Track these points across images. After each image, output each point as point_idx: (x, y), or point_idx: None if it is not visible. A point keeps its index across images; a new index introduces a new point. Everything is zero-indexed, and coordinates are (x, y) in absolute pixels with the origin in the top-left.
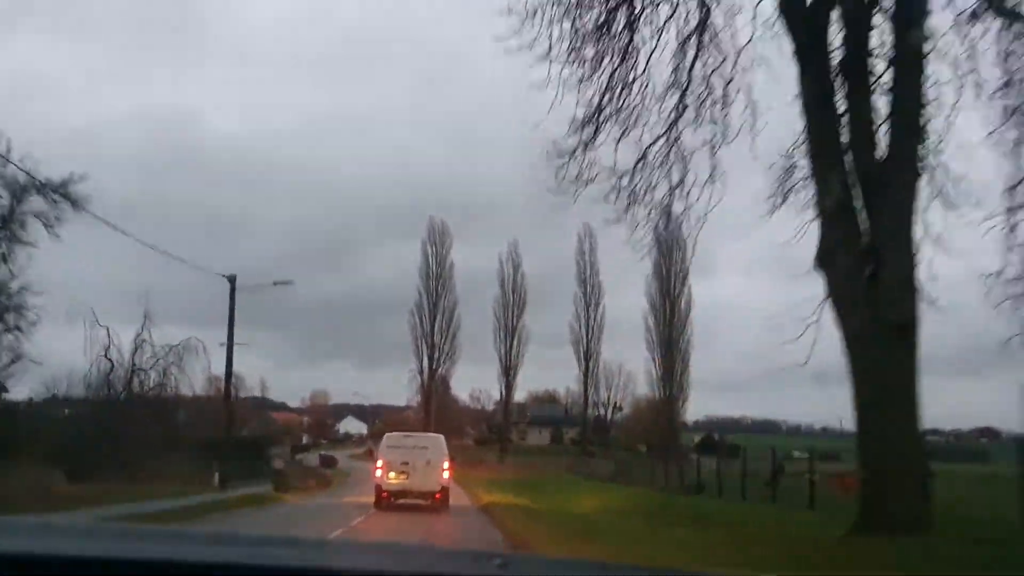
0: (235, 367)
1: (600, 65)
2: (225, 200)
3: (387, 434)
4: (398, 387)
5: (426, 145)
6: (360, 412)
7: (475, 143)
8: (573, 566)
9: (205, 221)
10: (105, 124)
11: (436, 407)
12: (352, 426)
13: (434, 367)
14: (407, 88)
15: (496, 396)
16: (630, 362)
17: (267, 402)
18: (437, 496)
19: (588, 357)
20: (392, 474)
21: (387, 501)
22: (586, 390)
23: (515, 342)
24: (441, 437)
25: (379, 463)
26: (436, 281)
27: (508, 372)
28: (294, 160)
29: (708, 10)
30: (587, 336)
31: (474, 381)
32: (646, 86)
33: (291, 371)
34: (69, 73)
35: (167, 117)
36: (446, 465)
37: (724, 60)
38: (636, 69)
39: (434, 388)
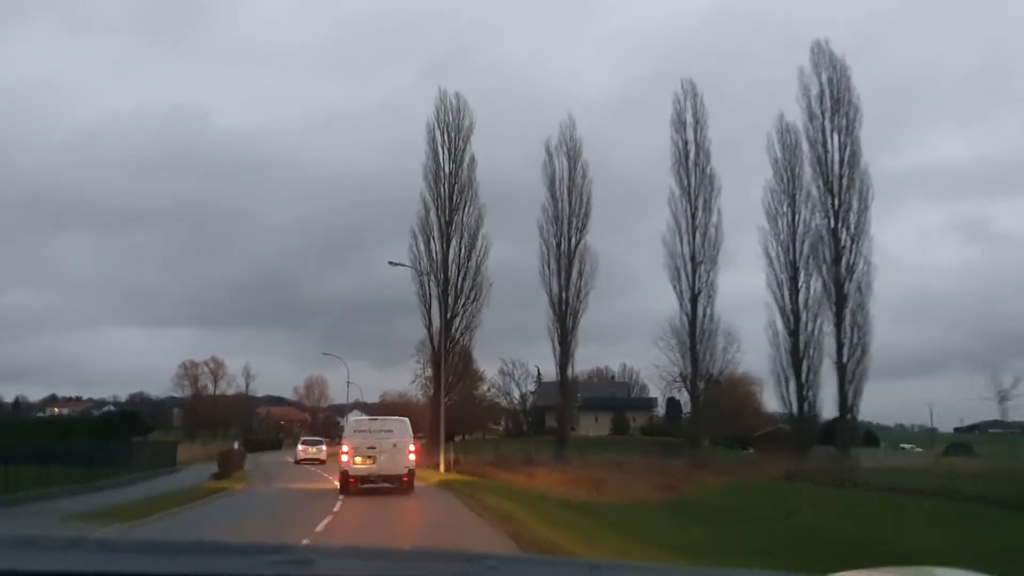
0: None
1: None
2: (229, 195)
3: (352, 418)
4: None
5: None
6: (366, 407)
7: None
8: (564, 565)
9: (209, 217)
10: (109, 121)
11: (451, 382)
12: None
13: (449, 316)
14: (414, 77)
15: (535, 372)
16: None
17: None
18: (404, 479)
19: (695, 298)
20: (358, 459)
21: (354, 487)
22: (694, 346)
23: (575, 274)
24: (406, 419)
25: (344, 448)
26: (449, 185)
27: (564, 319)
28: (299, 154)
29: None
30: (689, 255)
31: (504, 347)
32: None
33: (306, 369)
34: (73, 71)
35: (170, 113)
36: (412, 448)
37: None
38: None
39: (448, 351)
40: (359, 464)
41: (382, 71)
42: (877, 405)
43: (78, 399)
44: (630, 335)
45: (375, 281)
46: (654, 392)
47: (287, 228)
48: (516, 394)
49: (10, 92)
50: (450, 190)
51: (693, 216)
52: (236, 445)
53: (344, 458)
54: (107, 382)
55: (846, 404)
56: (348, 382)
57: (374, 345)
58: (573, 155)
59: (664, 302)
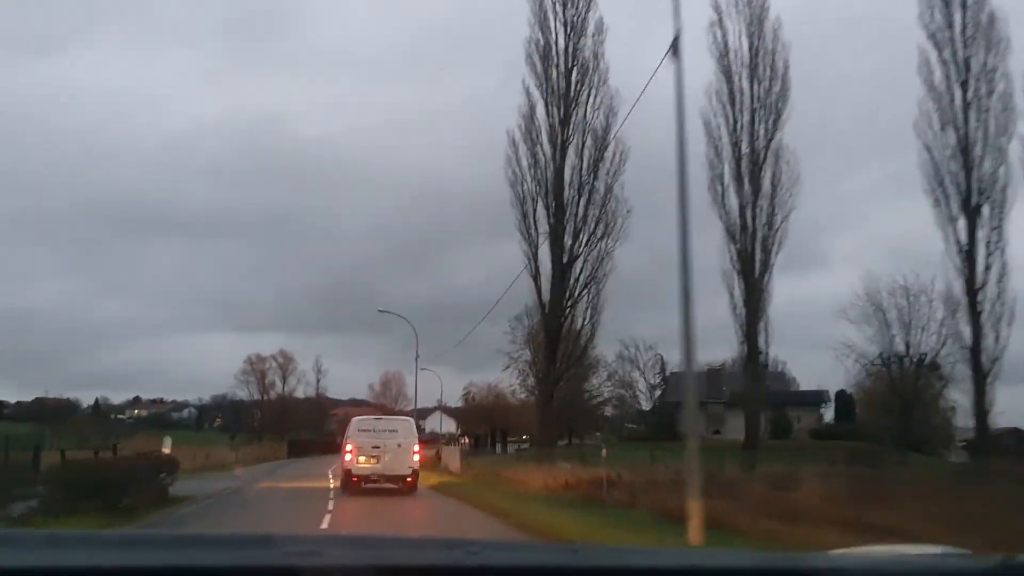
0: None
1: None
2: (313, 201)
3: (356, 417)
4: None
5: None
6: (448, 411)
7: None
8: (544, 550)
9: (293, 223)
10: (195, 129)
11: (560, 369)
12: (438, 423)
13: (566, 259)
14: (493, 80)
15: (660, 361)
16: None
17: (359, 403)
18: (408, 480)
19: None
20: (362, 458)
21: (356, 486)
22: (977, 318)
23: (766, 184)
24: (411, 420)
25: (348, 447)
26: (565, 66)
27: (750, 255)
28: (381, 159)
29: None
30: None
31: (622, 324)
32: None
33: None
34: (160, 79)
35: (255, 121)
36: (416, 448)
37: None
38: None
39: (563, 313)
40: (363, 463)
41: (462, 73)
42: None
43: (160, 401)
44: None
45: (456, 284)
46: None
47: (369, 233)
48: (642, 386)
49: (99, 100)
50: (566, 73)
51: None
52: (166, 446)
53: (348, 457)
54: (195, 386)
55: None
56: (416, 355)
57: (456, 349)
58: (757, 10)
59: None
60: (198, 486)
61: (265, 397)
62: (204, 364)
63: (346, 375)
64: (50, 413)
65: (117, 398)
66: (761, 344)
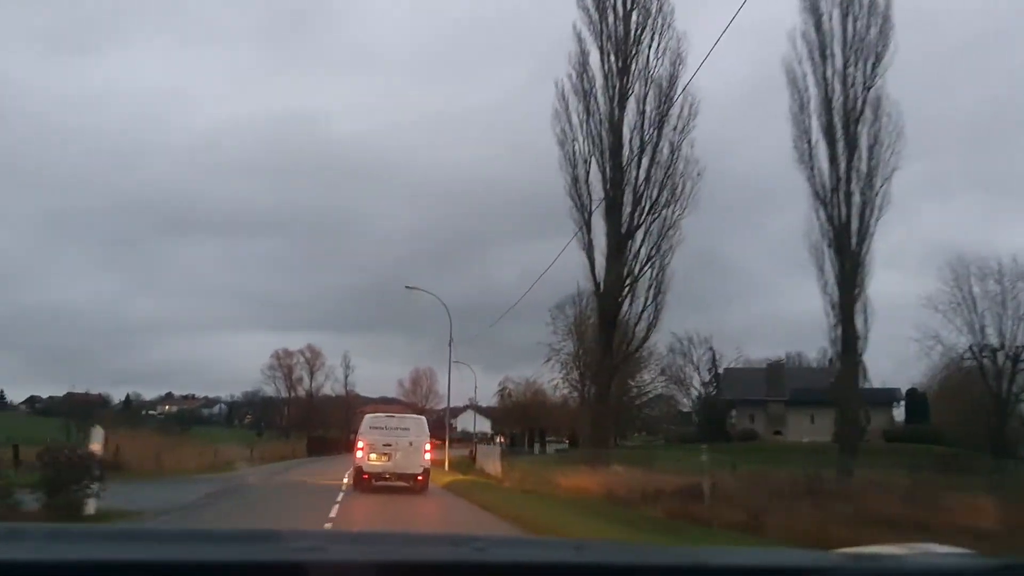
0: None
1: None
2: (346, 200)
3: (368, 415)
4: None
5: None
6: (480, 410)
7: None
8: (550, 546)
9: (327, 222)
10: (229, 128)
11: (617, 361)
12: (470, 422)
13: (625, 229)
14: (528, 77)
15: (729, 352)
16: None
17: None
18: (419, 478)
19: None
20: (373, 456)
21: (368, 483)
22: None
23: (864, 138)
24: (423, 418)
25: (360, 444)
26: (624, 8)
27: (845, 224)
28: (415, 157)
29: None
30: None
31: (685, 313)
32: None
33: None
34: (193, 79)
35: (287, 119)
36: (428, 447)
37: None
38: None
39: (621, 293)
40: (374, 461)
41: (496, 69)
42: None
43: (192, 397)
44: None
45: (490, 283)
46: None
47: (403, 231)
48: (696, 382)
49: (133, 100)
50: (625, 16)
51: None
52: (96, 442)
53: (359, 454)
54: (229, 383)
55: None
56: (449, 340)
57: (489, 349)
58: None
59: None
60: (166, 496)
61: (292, 394)
62: (237, 361)
63: (377, 373)
64: (79, 408)
65: (150, 394)
66: (859, 328)
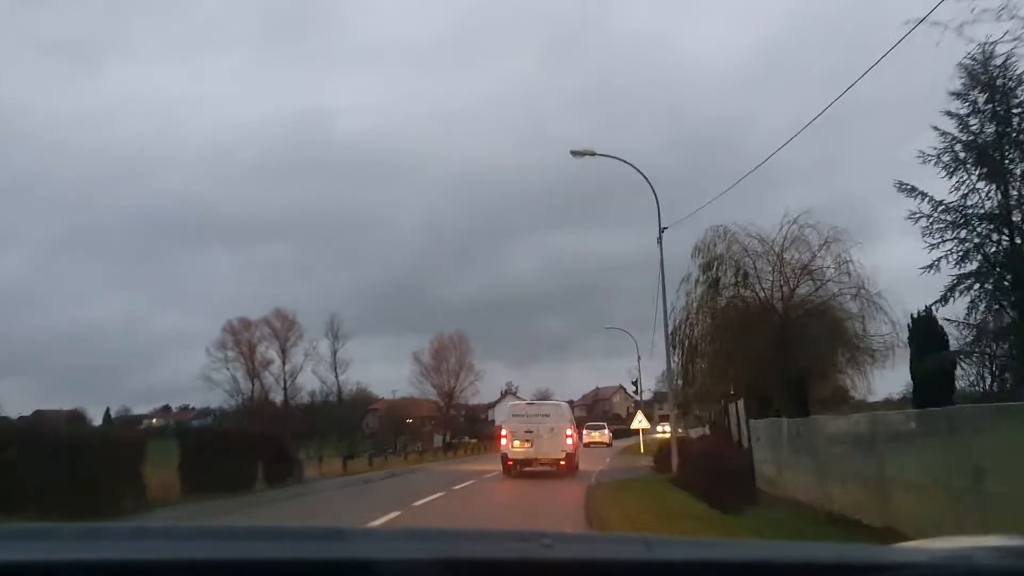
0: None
1: None
2: (359, 199)
3: (511, 403)
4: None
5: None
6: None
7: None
8: (619, 542)
9: (341, 222)
10: (239, 132)
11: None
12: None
13: None
14: (535, 64)
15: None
16: None
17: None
18: (563, 463)
19: None
20: (516, 443)
21: (513, 469)
22: None
23: None
24: (564, 404)
25: (503, 432)
26: None
27: None
28: (426, 152)
29: None
30: None
31: None
32: None
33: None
34: (200, 84)
35: (297, 120)
36: (570, 432)
37: None
38: None
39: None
40: (517, 448)
41: (505, 60)
42: None
43: (187, 409)
44: None
45: (508, 278)
46: None
47: (417, 228)
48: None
49: (142, 110)
50: None
51: None
52: None
53: (503, 442)
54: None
55: None
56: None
57: (509, 344)
58: None
59: None
60: None
61: (256, 382)
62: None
63: (395, 375)
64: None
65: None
66: None
